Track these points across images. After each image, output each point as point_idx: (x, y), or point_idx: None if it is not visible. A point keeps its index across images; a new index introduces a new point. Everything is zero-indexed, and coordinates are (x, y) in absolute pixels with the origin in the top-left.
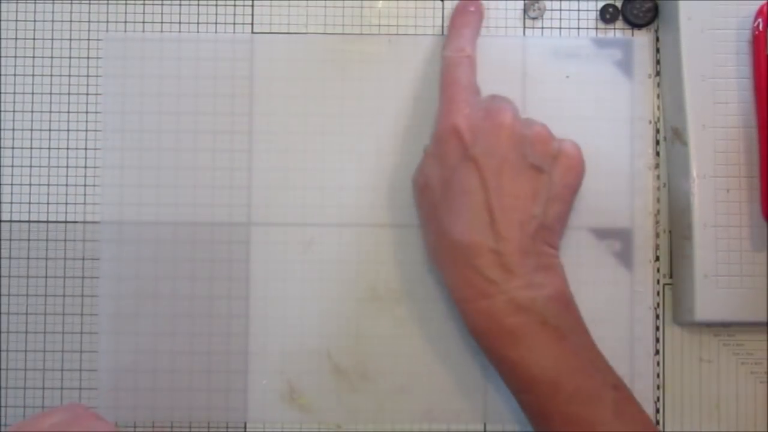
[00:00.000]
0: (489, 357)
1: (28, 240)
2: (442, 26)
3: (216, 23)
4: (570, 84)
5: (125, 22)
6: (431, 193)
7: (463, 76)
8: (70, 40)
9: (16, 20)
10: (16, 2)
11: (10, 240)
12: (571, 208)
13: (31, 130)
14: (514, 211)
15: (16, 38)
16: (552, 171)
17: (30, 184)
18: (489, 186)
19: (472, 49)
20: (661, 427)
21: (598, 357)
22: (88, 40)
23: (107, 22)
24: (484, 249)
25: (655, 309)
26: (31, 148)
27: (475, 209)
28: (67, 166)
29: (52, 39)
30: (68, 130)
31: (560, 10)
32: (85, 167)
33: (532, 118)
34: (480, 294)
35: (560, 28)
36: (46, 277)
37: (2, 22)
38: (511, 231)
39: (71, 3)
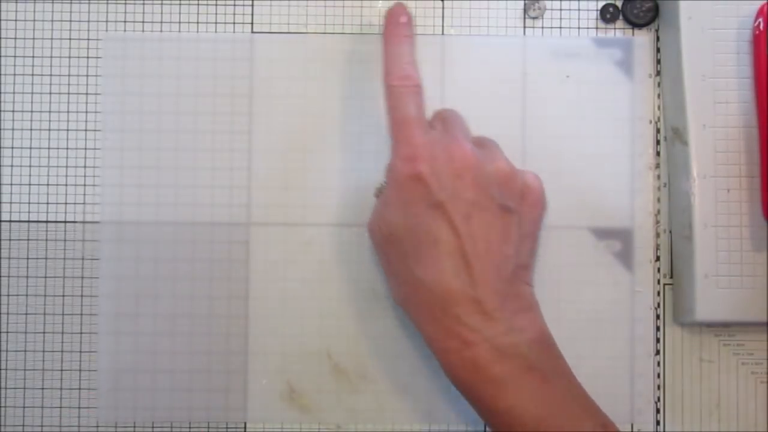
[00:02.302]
0: (474, 405)
1: (28, 240)
2: (442, 26)
3: (216, 23)
4: (570, 84)
5: (125, 21)
6: (398, 242)
7: (414, 110)
8: (70, 39)
9: (16, 20)
10: (16, 2)
11: (10, 240)
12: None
13: (31, 129)
14: (488, 254)
15: (15, 38)
16: (520, 209)
17: (30, 184)
18: (460, 232)
19: (417, 73)
20: (661, 428)
21: (584, 397)
22: (88, 39)
23: (107, 21)
24: (463, 297)
25: (656, 309)
26: (30, 147)
27: (448, 257)
28: (67, 166)
29: (52, 39)
30: (68, 130)
31: (560, 9)
32: (85, 167)
33: (491, 145)
34: (462, 344)
35: (560, 27)
36: (45, 277)
37: (2, 22)
38: (488, 276)
39: (71, 3)
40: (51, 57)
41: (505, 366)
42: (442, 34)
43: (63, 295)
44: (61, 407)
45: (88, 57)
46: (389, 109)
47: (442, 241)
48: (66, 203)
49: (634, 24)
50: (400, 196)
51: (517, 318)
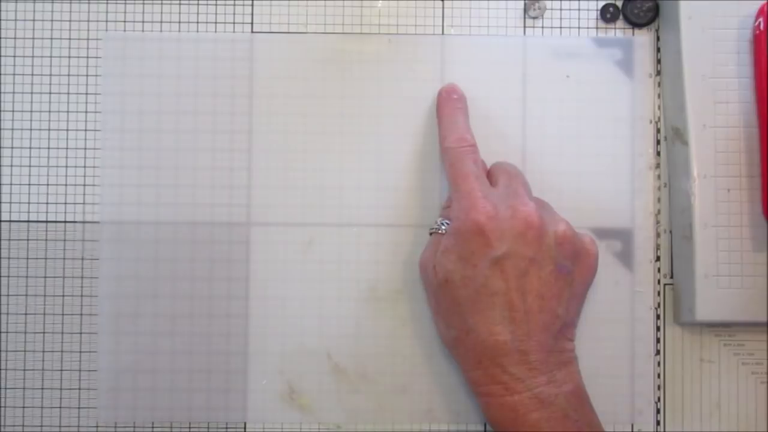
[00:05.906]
0: None
1: (27, 240)
2: (442, 26)
3: (216, 23)
4: (570, 84)
5: (125, 21)
6: (453, 289)
7: (473, 166)
8: (70, 39)
9: (16, 20)
10: (16, 2)
11: (10, 240)
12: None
13: (31, 129)
14: (540, 311)
15: (15, 38)
16: (574, 270)
17: (29, 184)
18: (515, 287)
19: (472, 136)
20: (661, 428)
21: None
22: (88, 39)
23: (107, 21)
24: (511, 349)
25: (656, 309)
26: (30, 147)
27: (501, 311)
28: (67, 166)
29: (52, 38)
30: (67, 130)
31: (560, 9)
32: (85, 167)
33: (548, 206)
34: (505, 390)
35: (560, 27)
36: (45, 277)
37: (2, 22)
38: (537, 332)
39: (71, 2)
40: (51, 57)
41: (543, 413)
42: (442, 34)
43: (63, 295)
44: (61, 407)
45: (88, 57)
46: (449, 168)
47: (497, 293)
48: (66, 203)
49: (634, 24)
50: (461, 247)
51: (558, 371)
